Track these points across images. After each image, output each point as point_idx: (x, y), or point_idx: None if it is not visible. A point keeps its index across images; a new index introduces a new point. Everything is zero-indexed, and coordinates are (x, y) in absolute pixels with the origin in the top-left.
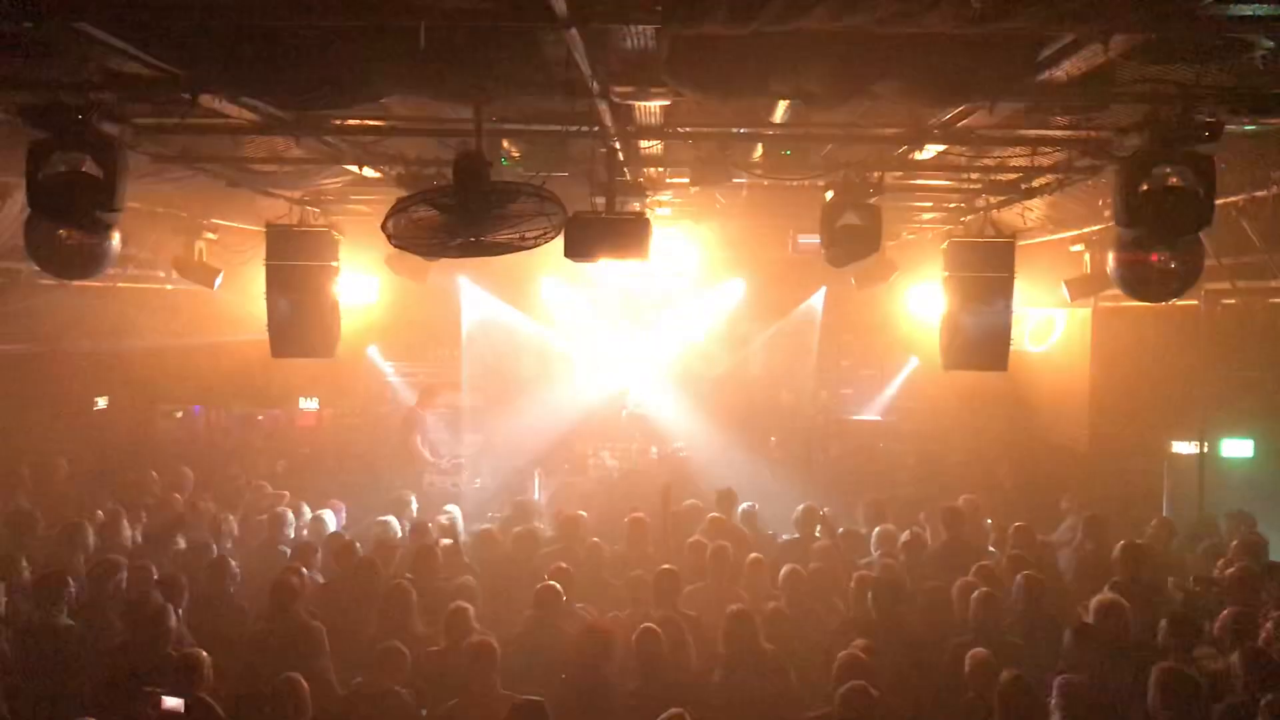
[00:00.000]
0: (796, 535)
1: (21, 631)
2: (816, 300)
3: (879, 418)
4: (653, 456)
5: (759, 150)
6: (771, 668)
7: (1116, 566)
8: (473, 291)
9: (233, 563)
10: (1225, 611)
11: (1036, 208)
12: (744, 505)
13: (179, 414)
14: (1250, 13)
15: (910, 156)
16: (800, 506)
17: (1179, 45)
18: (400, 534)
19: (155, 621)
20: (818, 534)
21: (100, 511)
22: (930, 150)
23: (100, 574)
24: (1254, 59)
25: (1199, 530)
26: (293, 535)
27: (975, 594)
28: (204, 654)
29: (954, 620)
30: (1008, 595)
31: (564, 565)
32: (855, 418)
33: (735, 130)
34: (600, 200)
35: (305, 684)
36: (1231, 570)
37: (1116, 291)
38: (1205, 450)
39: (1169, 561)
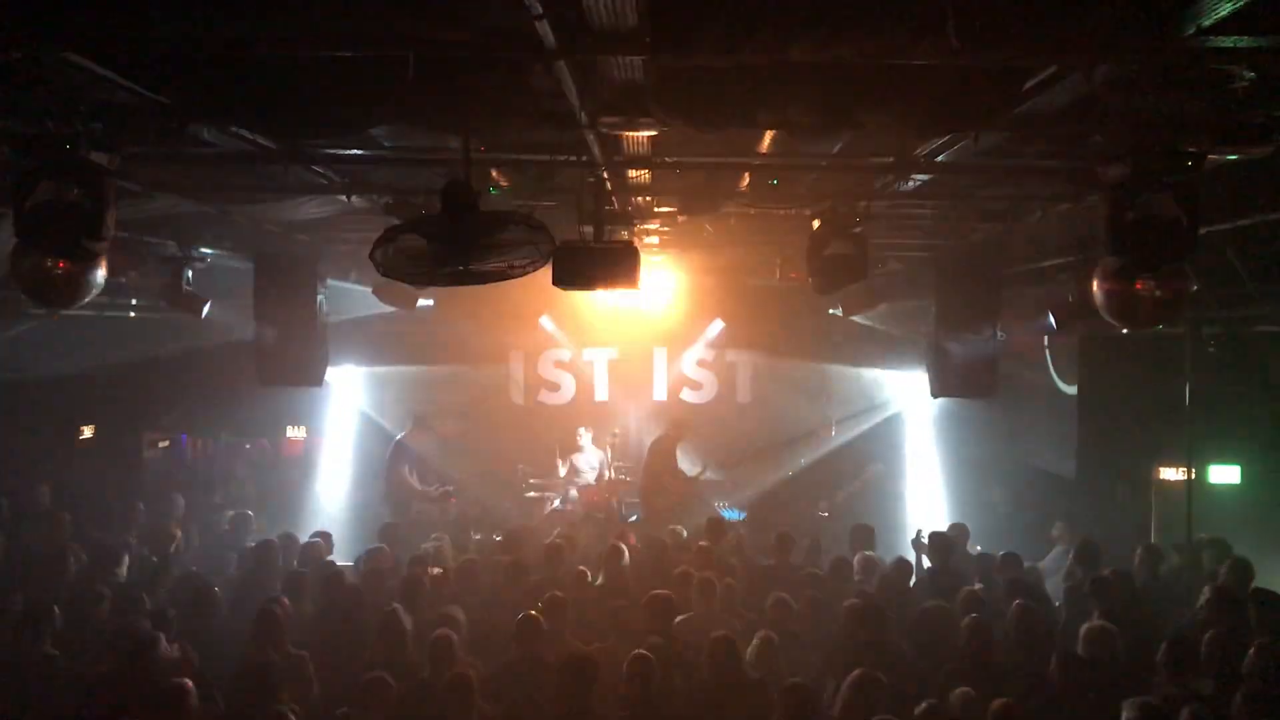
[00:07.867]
0: (772, 562)
1: (3, 662)
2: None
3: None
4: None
5: (745, 180)
6: (756, 697)
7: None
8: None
9: (218, 592)
10: (1209, 635)
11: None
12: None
13: (164, 444)
14: (1231, 44)
15: (896, 186)
16: (775, 533)
17: (1162, 76)
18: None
19: (143, 652)
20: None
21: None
22: (917, 179)
23: (85, 604)
24: (1235, 89)
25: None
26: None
27: (964, 621)
28: (190, 684)
29: (947, 647)
30: (999, 622)
31: (558, 594)
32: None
33: (722, 160)
34: (588, 229)
35: (292, 717)
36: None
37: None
38: (1193, 477)
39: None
